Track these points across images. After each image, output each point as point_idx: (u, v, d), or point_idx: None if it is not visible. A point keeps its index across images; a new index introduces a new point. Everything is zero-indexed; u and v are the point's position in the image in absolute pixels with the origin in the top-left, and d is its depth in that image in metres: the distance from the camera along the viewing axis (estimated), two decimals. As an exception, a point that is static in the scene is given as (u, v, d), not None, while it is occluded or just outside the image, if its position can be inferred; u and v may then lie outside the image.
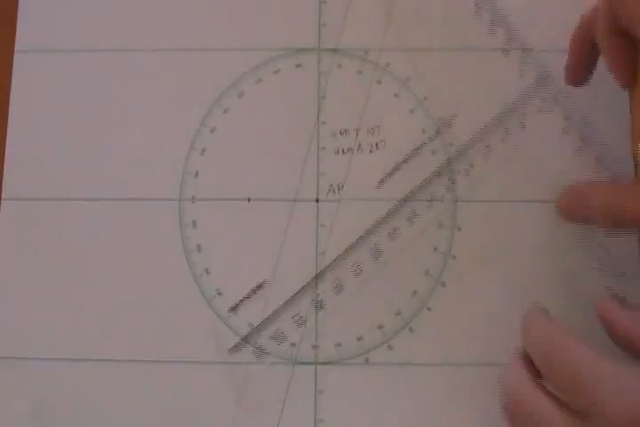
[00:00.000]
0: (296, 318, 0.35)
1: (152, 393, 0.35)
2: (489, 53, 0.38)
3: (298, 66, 0.38)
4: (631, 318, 0.31)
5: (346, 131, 0.37)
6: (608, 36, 0.32)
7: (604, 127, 0.37)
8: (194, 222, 0.37)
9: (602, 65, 0.33)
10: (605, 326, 0.32)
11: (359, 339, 0.35)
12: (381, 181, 0.36)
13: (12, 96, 0.38)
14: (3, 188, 0.38)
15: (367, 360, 0.35)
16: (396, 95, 0.38)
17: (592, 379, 0.27)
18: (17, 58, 0.39)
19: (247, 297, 0.35)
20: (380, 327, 0.35)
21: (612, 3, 0.31)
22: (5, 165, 0.38)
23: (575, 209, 0.35)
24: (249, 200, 0.37)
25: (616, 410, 0.26)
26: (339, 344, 0.35)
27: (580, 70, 0.35)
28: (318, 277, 0.36)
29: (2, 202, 0.37)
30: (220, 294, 0.36)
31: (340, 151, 0.37)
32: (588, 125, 0.37)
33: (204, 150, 0.38)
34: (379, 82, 0.38)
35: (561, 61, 0.35)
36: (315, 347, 0.35)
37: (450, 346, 0.35)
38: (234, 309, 0.35)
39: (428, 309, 0.36)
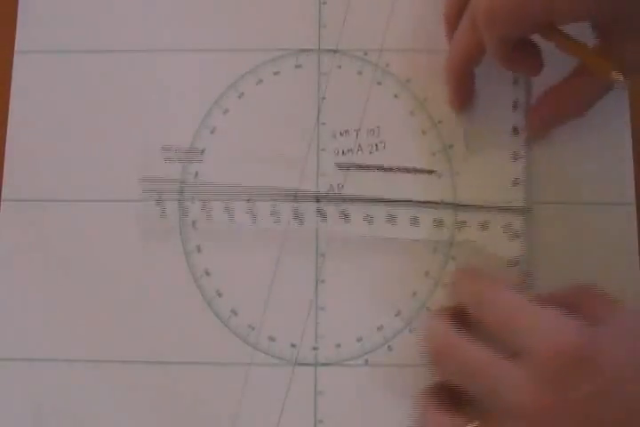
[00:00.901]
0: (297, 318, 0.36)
1: (152, 394, 0.35)
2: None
3: (298, 66, 0.38)
4: None
5: (346, 132, 0.37)
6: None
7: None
8: (194, 223, 0.37)
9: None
10: None
11: (359, 340, 0.35)
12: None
13: (12, 96, 0.38)
14: (2, 188, 0.38)
15: (367, 361, 0.35)
16: (396, 96, 0.38)
17: (521, 321, 0.30)
18: (17, 58, 0.39)
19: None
20: (380, 328, 0.35)
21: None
22: (5, 166, 0.38)
23: None
24: (248, 201, 0.37)
25: (543, 348, 0.29)
26: (338, 345, 0.35)
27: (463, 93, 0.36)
28: (318, 278, 0.36)
29: (2, 202, 0.37)
30: (220, 295, 0.36)
31: (340, 152, 0.37)
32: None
33: (203, 151, 0.37)
34: (379, 83, 0.38)
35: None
36: (315, 348, 0.35)
37: (449, 347, 0.35)
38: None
39: (428, 309, 0.36)
